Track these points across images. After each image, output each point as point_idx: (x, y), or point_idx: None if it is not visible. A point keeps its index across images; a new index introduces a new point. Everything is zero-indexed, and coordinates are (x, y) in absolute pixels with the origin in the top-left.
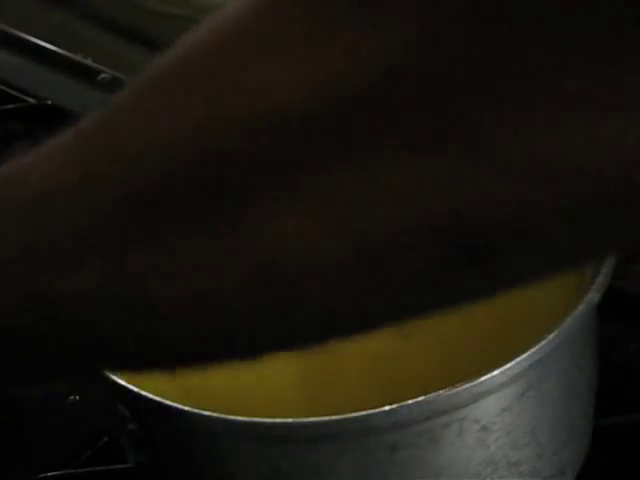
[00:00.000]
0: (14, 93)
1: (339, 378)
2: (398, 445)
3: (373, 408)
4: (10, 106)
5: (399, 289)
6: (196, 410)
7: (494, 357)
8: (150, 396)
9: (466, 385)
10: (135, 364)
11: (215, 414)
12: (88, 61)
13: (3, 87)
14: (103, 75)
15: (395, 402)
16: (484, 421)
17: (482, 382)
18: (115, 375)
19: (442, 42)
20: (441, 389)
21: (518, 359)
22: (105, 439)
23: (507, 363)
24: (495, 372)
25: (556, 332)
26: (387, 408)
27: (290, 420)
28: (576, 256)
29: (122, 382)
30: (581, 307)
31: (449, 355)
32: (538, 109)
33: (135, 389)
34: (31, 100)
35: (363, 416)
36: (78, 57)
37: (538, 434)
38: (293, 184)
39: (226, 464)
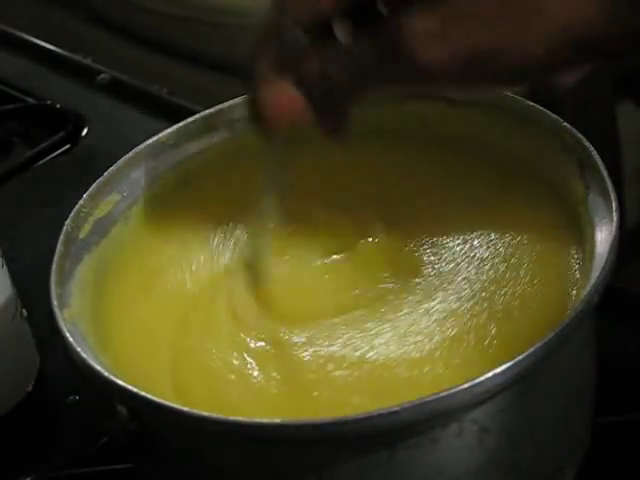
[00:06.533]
0: (14, 93)
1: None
2: (397, 446)
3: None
4: (10, 106)
5: None
6: (196, 410)
7: (493, 358)
8: (150, 396)
9: (465, 385)
10: None
11: (215, 414)
12: (88, 61)
13: (3, 87)
14: (103, 75)
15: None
16: (483, 422)
17: (481, 382)
18: (114, 375)
19: None
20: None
21: (517, 359)
22: (105, 439)
23: (506, 363)
24: (494, 372)
25: (556, 332)
26: (386, 409)
27: (289, 420)
28: None
29: (122, 382)
30: (581, 307)
31: (448, 355)
32: None
33: (135, 389)
34: (31, 100)
35: (362, 417)
36: (78, 57)
37: (537, 434)
38: None
39: (226, 464)
